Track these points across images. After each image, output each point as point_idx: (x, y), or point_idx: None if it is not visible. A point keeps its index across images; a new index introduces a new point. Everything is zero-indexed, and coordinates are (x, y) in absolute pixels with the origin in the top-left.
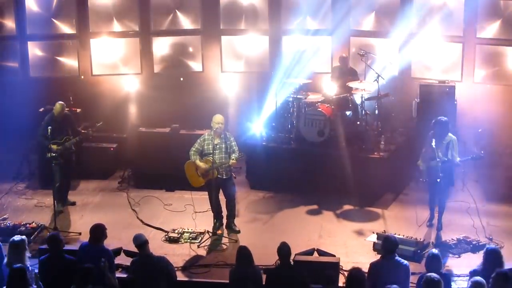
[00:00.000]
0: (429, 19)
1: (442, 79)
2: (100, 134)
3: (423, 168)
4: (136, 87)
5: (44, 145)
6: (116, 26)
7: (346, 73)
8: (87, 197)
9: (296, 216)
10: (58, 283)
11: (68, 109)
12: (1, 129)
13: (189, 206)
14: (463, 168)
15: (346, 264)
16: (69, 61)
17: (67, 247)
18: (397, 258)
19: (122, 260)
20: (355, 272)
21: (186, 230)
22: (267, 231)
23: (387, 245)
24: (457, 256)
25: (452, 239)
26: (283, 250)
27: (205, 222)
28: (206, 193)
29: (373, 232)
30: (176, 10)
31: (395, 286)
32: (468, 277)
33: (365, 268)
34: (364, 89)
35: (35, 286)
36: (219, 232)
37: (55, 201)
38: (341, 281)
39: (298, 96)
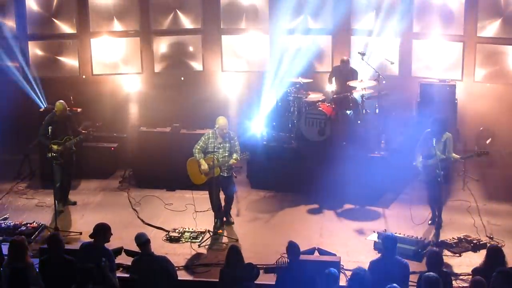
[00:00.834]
0: (429, 18)
1: (442, 78)
2: (100, 134)
3: (420, 168)
4: (136, 87)
5: (45, 145)
6: (117, 26)
7: (347, 74)
8: (87, 197)
9: (297, 215)
10: (59, 283)
11: (68, 108)
12: (2, 129)
13: (190, 205)
14: (464, 167)
15: (347, 263)
16: (70, 61)
17: (67, 247)
18: (397, 256)
19: (123, 259)
20: (359, 271)
21: (187, 229)
22: (268, 231)
23: (386, 243)
24: (458, 255)
25: (452, 238)
26: (293, 248)
27: (206, 222)
28: (207, 192)
29: (374, 231)
30: (177, 10)
31: (395, 285)
32: (470, 276)
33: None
34: (364, 88)
35: (36, 286)
36: (219, 231)
37: (56, 201)
38: (342, 280)
39: (298, 96)
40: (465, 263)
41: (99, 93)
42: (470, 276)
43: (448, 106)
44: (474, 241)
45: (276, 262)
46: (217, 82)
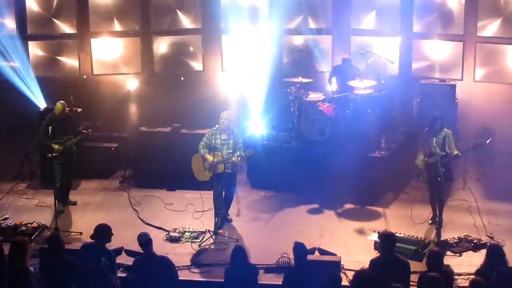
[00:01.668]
0: (429, 17)
1: (442, 77)
2: (101, 134)
3: (421, 167)
4: (136, 87)
5: (45, 145)
6: (117, 26)
7: (348, 72)
8: (88, 197)
9: (297, 215)
10: (59, 283)
11: (69, 108)
12: (2, 129)
13: (190, 205)
14: (465, 164)
15: (348, 263)
16: (70, 61)
17: (68, 247)
18: (397, 255)
19: (123, 259)
20: (365, 274)
21: (187, 229)
22: (268, 230)
23: (384, 242)
24: (458, 254)
25: (453, 237)
26: (300, 249)
27: (206, 221)
28: (207, 192)
29: (374, 231)
30: (177, 10)
31: (399, 285)
32: (471, 276)
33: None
34: (364, 88)
35: (37, 287)
36: (220, 231)
37: (56, 201)
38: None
39: (298, 95)
40: (465, 263)
41: (100, 93)
42: (471, 276)
43: (448, 105)
44: (474, 241)
45: (277, 262)
46: (217, 82)
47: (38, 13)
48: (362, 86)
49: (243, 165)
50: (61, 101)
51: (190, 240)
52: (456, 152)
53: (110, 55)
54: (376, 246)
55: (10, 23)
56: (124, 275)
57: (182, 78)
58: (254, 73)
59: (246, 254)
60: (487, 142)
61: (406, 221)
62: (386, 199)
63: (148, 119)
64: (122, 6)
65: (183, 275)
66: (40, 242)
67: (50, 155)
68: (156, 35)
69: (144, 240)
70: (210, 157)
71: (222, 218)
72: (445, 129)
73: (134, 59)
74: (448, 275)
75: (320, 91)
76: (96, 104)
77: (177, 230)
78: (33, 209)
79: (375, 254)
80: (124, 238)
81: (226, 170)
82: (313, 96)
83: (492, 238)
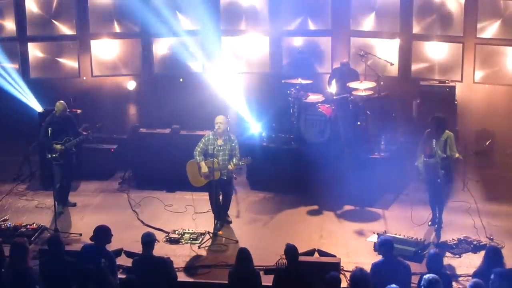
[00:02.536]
0: (429, 19)
1: (442, 79)
2: (100, 135)
3: (421, 168)
4: (136, 88)
5: (46, 145)
6: (116, 27)
7: (347, 75)
8: (87, 198)
9: (296, 216)
10: (59, 285)
11: (68, 110)
12: (2, 130)
13: (190, 207)
14: (465, 166)
15: (347, 265)
16: (70, 62)
17: (67, 248)
18: (398, 258)
19: (123, 261)
20: (359, 272)
21: (187, 230)
22: (267, 232)
23: (380, 246)
24: (458, 256)
25: (453, 239)
26: (292, 252)
27: (206, 223)
28: (207, 194)
29: (374, 233)
30: (176, 11)
31: (394, 286)
32: (470, 278)
33: (366, 269)
34: (364, 90)
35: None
36: (219, 232)
37: (56, 202)
38: (343, 282)
39: (298, 97)
40: (465, 264)
41: (99, 95)
42: (470, 278)
43: (448, 107)
44: (474, 242)
45: (276, 263)
46: (216, 84)
47: (38, 14)
48: (362, 88)
49: (243, 167)
50: (61, 101)
51: (189, 241)
52: (457, 155)
53: (109, 56)
54: (376, 247)
55: (10, 25)
56: (124, 276)
57: (181, 79)
58: (253, 75)
59: (251, 257)
60: (487, 143)
61: (405, 222)
62: (385, 200)
63: (147, 120)
64: (122, 7)
65: (182, 277)
66: (40, 243)
67: (50, 155)
68: (156, 36)
69: (148, 240)
70: (205, 167)
71: (221, 220)
72: (446, 131)
73: (134, 61)
74: (447, 277)
75: (320, 92)
76: (96, 106)
77: (176, 232)
78: (33, 210)
79: (375, 255)
80: (123, 239)
81: (222, 177)
82: (312, 97)
83: (491, 239)
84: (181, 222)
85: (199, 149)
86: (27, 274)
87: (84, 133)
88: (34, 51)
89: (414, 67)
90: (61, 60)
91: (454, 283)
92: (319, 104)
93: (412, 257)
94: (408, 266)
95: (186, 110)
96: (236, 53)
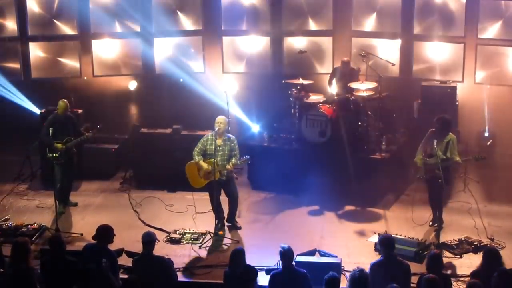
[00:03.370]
0: (430, 19)
1: (443, 79)
2: (101, 135)
3: (420, 165)
4: (137, 88)
5: (48, 144)
6: (118, 27)
7: (348, 75)
8: (88, 198)
9: (297, 216)
10: (60, 284)
11: (70, 110)
12: (3, 130)
13: (191, 207)
14: (465, 169)
15: (348, 265)
16: (71, 62)
17: (68, 248)
18: (398, 258)
19: (124, 261)
20: (358, 273)
21: (188, 230)
22: (268, 232)
23: (381, 245)
24: (458, 256)
25: (453, 239)
26: (287, 254)
27: (207, 223)
28: (208, 194)
29: (375, 233)
30: (178, 11)
31: (395, 285)
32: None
33: (367, 270)
34: (365, 90)
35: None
36: (220, 232)
37: (57, 202)
38: (343, 282)
39: (299, 97)
40: (465, 265)
41: (100, 94)
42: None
43: (449, 107)
44: (474, 243)
45: (277, 263)
46: (217, 84)
47: (39, 14)
48: (363, 88)
49: (244, 167)
50: (63, 100)
51: (190, 241)
52: (457, 158)
53: (111, 56)
54: (377, 247)
55: (11, 24)
56: (125, 276)
57: (182, 80)
58: (254, 75)
59: (244, 257)
60: (487, 144)
61: (406, 222)
62: (386, 200)
63: (148, 120)
64: (123, 7)
65: (183, 277)
66: (41, 243)
67: (51, 155)
68: (157, 36)
69: (148, 239)
70: (204, 165)
71: (222, 220)
72: (450, 133)
73: (135, 60)
74: (447, 277)
75: (321, 92)
76: (97, 105)
77: (177, 232)
78: (34, 210)
79: (375, 255)
80: (124, 239)
81: (221, 178)
82: (313, 97)
83: (492, 240)
84: (182, 222)
85: (197, 149)
86: (28, 274)
87: (86, 134)
88: (36, 51)
89: (415, 67)
90: (62, 60)
91: (454, 284)
92: (320, 104)
93: (413, 258)
94: (408, 266)
95: (188, 110)
96: (237, 53)
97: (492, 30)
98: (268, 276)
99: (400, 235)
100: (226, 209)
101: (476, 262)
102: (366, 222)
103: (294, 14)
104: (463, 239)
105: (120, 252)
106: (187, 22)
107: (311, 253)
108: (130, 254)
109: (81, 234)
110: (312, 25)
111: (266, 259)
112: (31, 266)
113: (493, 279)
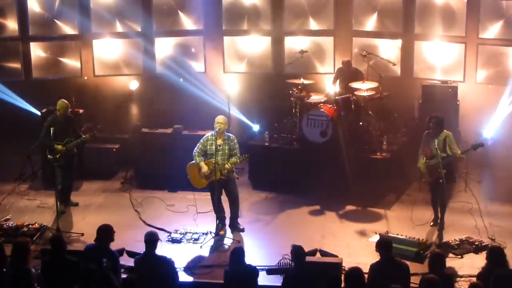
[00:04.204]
0: (431, 19)
1: (444, 79)
2: (102, 135)
3: (424, 170)
4: (138, 88)
5: (47, 146)
6: (119, 27)
7: (349, 75)
8: (89, 198)
9: (298, 216)
10: (61, 284)
11: (70, 110)
12: (4, 130)
13: (192, 206)
14: (466, 168)
15: (349, 265)
16: (72, 62)
17: (69, 247)
18: (396, 258)
19: (125, 261)
20: (354, 272)
21: (189, 230)
22: (269, 232)
23: (379, 248)
24: (459, 256)
25: (454, 239)
26: (299, 251)
27: (208, 223)
28: (209, 194)
29: (376, 233)
30: (179, 11)
31: (398, 286)
32: (472, 278)
33: (367, 269)
34: (366, 90)
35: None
36: (221, 232)
37: (58, 202)
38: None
39: (300, 97)
40: (467, 265)
41: (101, 94)
42: (472, 278)
43: (450, 107)
44: (476, 243)
45: (278, 263)
46: (219, 83)
47: (40, 14)
48: (364, 88)
49: (245, 167)
50: (64, 100)
51: (191, 241)
52: (458, 152)
53: (112, 56)
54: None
55: (12, 24)
56: (126, 276)
57: (181, 79)
58: (255, 74)
59: (244, 256)
60: (488, 144)
61: (407, 222)
62: (387, 200)
63: (149, 120)
64: (124, 7)
65: (184, 277)
66: (42, 243)
67: (50, 156)
68: (158, 36)
69: (150, 239)
70: (205, 167)
71: (223, 220)
72: (445, 130)
73: (136, 60)
74: (449, 277)
75: (322, 92)
76: (98, 105)
77: (178, 231)
78: (35, 210)
79: (376, 255)
80: (125, 239)
81: (222, 177)
82: (314, 97)
83: (493, 240)
84: (183, 222)
85: (198, 150)
86: (27, 274)
87: (85, 135)
88: (36, 50)
89: (416, 67)
90: (63, 59)
91: (455, 284)
92: (321, 104)
93: (414, 258)
94: (407, 266)
95: (188, 110)
96: (238, 53)
97: (493, 30)
98: (268, 276)
99: (401, 235)
100: (226, 209)
101: (477, 262)
102: (367, 222)
103: (295, 14)
104: (464, 239)
105: (121, 252)
106: (188, 22)
107: (312, 253)
108: (131, 254)
109: (82, 234)
110: (313, 25)
111: (267, 259)
112: (28, 267)
113: (491, 281)
